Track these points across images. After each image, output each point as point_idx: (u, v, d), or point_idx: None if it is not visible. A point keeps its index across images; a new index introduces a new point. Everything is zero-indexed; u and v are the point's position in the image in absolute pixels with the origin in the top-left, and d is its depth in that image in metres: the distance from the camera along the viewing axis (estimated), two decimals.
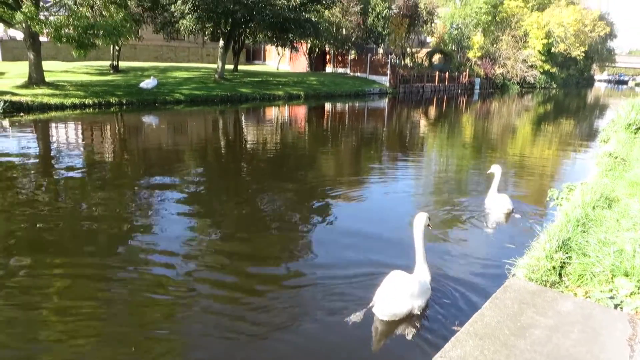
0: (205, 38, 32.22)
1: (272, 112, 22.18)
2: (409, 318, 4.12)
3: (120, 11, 19.70)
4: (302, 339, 3.98)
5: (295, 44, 30.45)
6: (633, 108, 13.67)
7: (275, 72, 37.06)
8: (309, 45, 38.93)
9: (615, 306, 3.32)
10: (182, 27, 24.70)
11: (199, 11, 23.88)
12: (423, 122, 21.98)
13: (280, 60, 42.81)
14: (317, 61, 42.23)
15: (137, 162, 10.64)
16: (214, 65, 29.92)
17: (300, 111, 23.59)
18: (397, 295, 4.08)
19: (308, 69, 41.04)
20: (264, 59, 48.55)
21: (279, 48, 36.13)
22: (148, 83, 21.12)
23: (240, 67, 33.24)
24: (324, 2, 27.86)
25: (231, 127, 17.73)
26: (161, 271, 5.10)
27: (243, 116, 20.57)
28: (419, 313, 4.18)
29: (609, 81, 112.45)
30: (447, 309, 4.34)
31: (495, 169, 7.39)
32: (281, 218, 7.23)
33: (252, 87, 26.02)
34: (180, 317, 4.27)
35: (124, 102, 19.41)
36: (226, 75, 27.64)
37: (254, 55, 48.59)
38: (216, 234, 6.40)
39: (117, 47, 25.75)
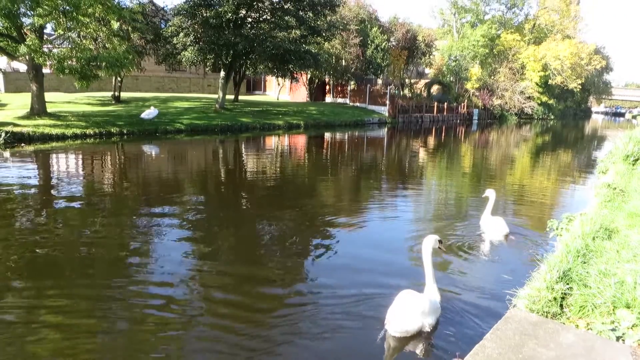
0: (207, 69, 32.82)
1: (272, 141, 22.34)
2: (419, 336, 4.31)
3: (123, 43, 20.14)
4: (311, 356, 4.11)
5: (295, 75, 30.94)
6: (630, 140, 13.78)
7: (276, 102, 37.53)
8: (309, 75, 39.55)
9: (617, 338, 3.28)
10: (183, 59, 25.16)
11: (200, 43, 24.41)
12: (422, 152, 22.12)
13: (281, 91, 43.42)
14: (317, 91, 42.84)
15: (137, 191, 10.66)
16: (215, 96, 30.32)
17: (300, 140, 23.76)
18: (409, 313, 4.26)
19: (308, 99, 41.57)
20: (265, 89, 49.23)
21: (279, 79, 36.77)
22: (149, 113, 21.34)
23: (240, 97, 33.70)
24: (323, 34, 28.42)
25: (231, 156, 17.84)
26: (162, 296, 5.16)
27: (243, 145, 20.72)
28: (429, 330, 4.36)
29: (606, 113, 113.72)
30: (446, 339, 4.31)
31: (490, 193, 7.79)
32: (282, 244, 7.28)
33: (253, 117, 26.29)
34: (181, 340, 4.31)
35: (125, 132, 19.58)
36: (227, 105, 27.98)
37: (255, 86, 49.33)
38: (217, 260, 6.42)
39: (119, 78, 26.15)
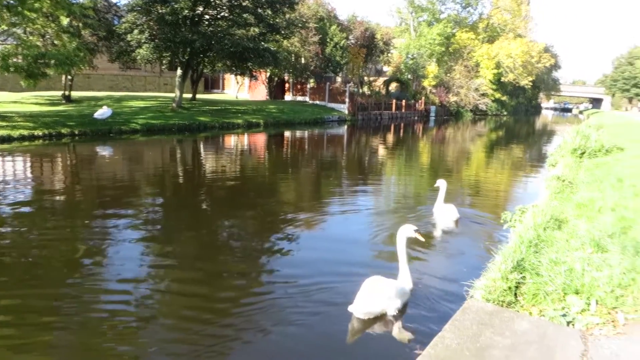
0: (163, 67, 32.04)
1: (231, 141, 22.06)
2: (382, 319, 4.49)
3: (73, 40, 19.36)
4: (275, 341, 4.22)
5: (254, 73, 30.70)
6: (577, 134, 14.41)
7: (235, 100, 37.10)
8: (268, 73, 39.31)
9: (568, 323, 3.41)
10: (138, 57, 24.46)
11: (156, 40, 23.80)
12: (381, 148, 22.40)
13: (239, 89, 42.97)
14: (276, 89, 42.66)
15: (91, 194, 10.28)
16: (172, 94, 29.65)
17: (260, 139, 23.59)
18: (373, 296, 4.46)
19: (267, 97, 41.33)
20: (223, 88, 48.61)
21: (238, 77, 36.34)
22: (102, 113, 20.59)
23: (198, 96, 33.10)
24: (282, 32, 28.29)
25: (190, 155, 17.51)
26: (119, 292, 5.10)
27: (202, 145, 20.37)
28: (394, 314, 4.55)
29: (555, 109, 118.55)
30: (406, 329, 4.41)
31: (441, 183, 8.31)
32: (243, 241, 7.28)
33: (211, 116, 25.88)
34: (140, 335, 4.26)
35: (77, 132, 18.83)
36: (184, 104, 27.43)
37: (213, 84, 48.61)
38: (176, 258, 6.30)
39: (69, 77, 25.13)
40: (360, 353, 4.17)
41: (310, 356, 4.14)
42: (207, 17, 26.44)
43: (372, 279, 4.66)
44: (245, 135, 23.62)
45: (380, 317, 4.55)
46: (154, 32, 23.79)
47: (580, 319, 3.43)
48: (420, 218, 8.42)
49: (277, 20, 27.31)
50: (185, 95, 28.34)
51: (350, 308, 4.45)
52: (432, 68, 52.51)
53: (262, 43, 27.47)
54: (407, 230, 4.97)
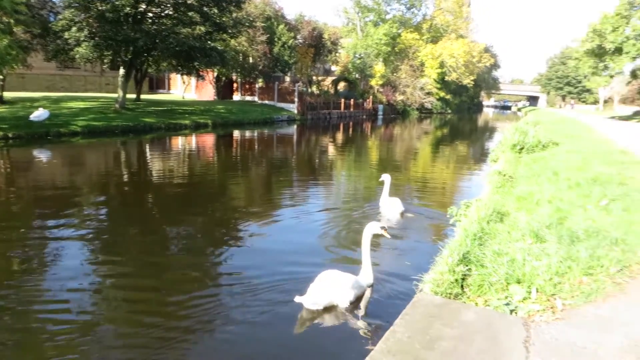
0: (104, 66, 30.80)
1: (179, 142, 21.54)
2: (336, 314, 4.59)
3: (5, 37, 18.23)
4: (229, 338, 4.24)
5: (201, 73, 30.07)
6: (516, 130, 15.12)
7: (181, 100, 36.23)
8: (215, 73, 38.67)
9: (511, 312, 3.58)
10: (77, 55, 23.30)
11: (96, 39, 22.77)
12: (331, 147, 22.57)
13: (186, 89, 42.04)
14: (224, 89, 42.05)
15: (28, 201, 9.73)
16: (115, 95, 28.52)
17: (209, 140, 23.18)
18: (323, 287, 4.60)
19: (215, 97, 40.67)
20: (169, 88, 47.37)
21: (185, 76, 35.52)
22: (39, 115, 19.50)
23: (143, 97, 32.06)
24: (229, 31, 27.89)
25: (135, 158, 16.94)
26: (61, 301, 4.90)
27: (148, 147, 19.77)
28: (344, 306, 4.67)
29: (496, 106, 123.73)
30: (358, 324, 4.46)
31: (385, 177, 8.68)
32: (193, 243, 7.12)
33: (157, 117, 25.14)
34: (85, 341, 4.10)
35: (11, 135, 17.75)
36: (128, 104, 26.50)
37: (158, 84, 47.24)
38: (122, 263, 6.07)
39: (0, 77, 23.65)
40: (311, 349, 4.20)
41: (261, 353, 4.14)
42: (150, 14, 25.62)
43: (327, 272, 4.79)
44: (193, 136, 23.13)
45: (333, 313, 4.61)
46: (94, 30, 22.75)
47: (522, 307, 3.60)
48: (368, 212, 8.68)
49: (223, 19, 26.87)
50: (128, 96, 27.37)
51: (298, 298, 4.53)
52: (379, 67, 53.48)
53: (209, 42, 26.98)
54: (373, 227, 5.16)
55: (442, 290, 3.94)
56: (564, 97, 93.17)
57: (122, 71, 25.63)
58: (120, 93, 25.55)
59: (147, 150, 19.02)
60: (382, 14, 59.69)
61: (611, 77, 43.12)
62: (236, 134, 26.00)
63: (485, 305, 3.73)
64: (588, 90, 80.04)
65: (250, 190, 11.54)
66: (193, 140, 22.28)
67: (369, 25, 58.13)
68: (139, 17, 24.18)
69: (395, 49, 57.62)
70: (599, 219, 5.67)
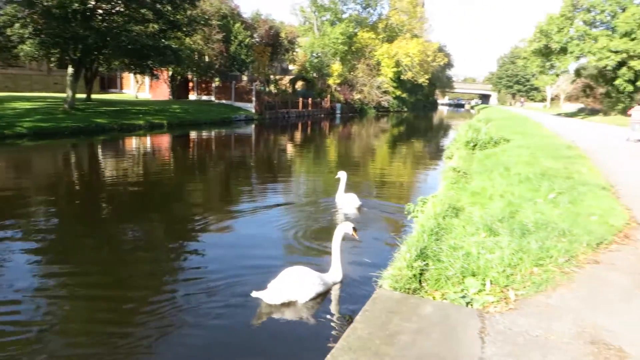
0: (52, 65, 29.51)
1: (132, 143, 20.93)
2: (297, 313, 4.58)
3: None
4: (187, 339, 4.17)
5: (155, 71, 29.32)
6: (470, 128, 15.57)
7: (135, 100, 35.23)
8: (170, 72, 37.83)
9: (467, 304, 3.67)
10: (21, 53, 22.21)
11: (42, 36, 21.75)
12: (290, 146, 22.53)
13: (140, 88, 40.95)
14: (179, 89, 41.18)
15: None
16: (63, 95, 27.36)
17: (164, 141, 22.65)
18: (283, 283, 4.64)
19: (170, 97, 39.76)
20: (121, 87, 45.93)
21: (138, 76, 34.57)
22: None
23: (94, 96, 30.92)
24: (184, 29, 27.34)
25: (86, 160, 16.32)
26: (9, 313, 4.61)
27: (100, 148, 19.09)
28: (304, 302, 4.70)
29: (450, 105, 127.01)
30: (319, 321, 4.49)
31: (341, 174, 8.88)
32: (148, 244, 6.98)
33: (109, 117, 24.32)
34: (36, 357, 3.92)
35: None
36: (78, 105, 25.49)
37: (110, 83, 45.69)
38: (75, 267, 5.84)
39: None
40: (272, 347, 4.18)
41: (220, 351, 4.11)
42: (100, 11, 24.72)
43: (291, 267, 4.83)
44: (148, 137, 22.53)
45: (294, 310, 4.61)
46: (40, 27, 21.74)
47: (478, 299, 3.71)
48: (326, 209, 8.82)
49: (177, 17, 26.28)
50: (78, 96, 26.35)
51: (255, 293, 4.56)
52: (336, 66, 53.81)
53: (163, 40, 26.34)
54: (345, 227, 5.25)
55: (401, 285, 4.00)
56: (513, 95, 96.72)
57: (70, 70, 24.63)
58: (69, 93, 24.54)
59: (100, 152, 18.38)
60: (338, 13, 60.10)
61: (557, 75, 45.10)
62: (193, 134, 25.52)
63: (443, 299, 3.82)
64: (536, 89, 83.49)
65: (208, 191, 11.36)
66: (148, 141, 21.71)
67: (326, 25, 58.39)
68: (88, 13, 23.27)
69: (352, 48, 58.13)
70: (547, 211, 5.92)
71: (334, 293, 5.09)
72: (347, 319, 4.37)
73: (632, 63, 32.46)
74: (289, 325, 4.46)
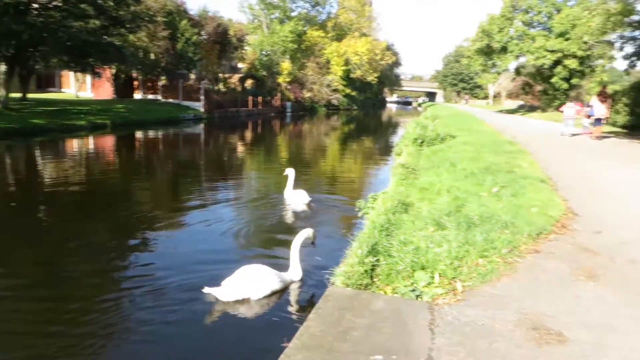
0: None
1: (74, 144, 20.01)
2: (250, 313, 4.59)
3: None
4: (135, 338, 4.14)
5: (97, 70, 28.19)
6: (417, 125, 15.94)
7: (75, 99, 33.68)
8: (113, 70, 36.47)
9: (417, 297, 3.75)
10: None
11: None
12: (240, 145, 22.27)
13: (81, 87, 39.21)
14: (124, 87, 39.75)
15: None
16: None
17: (108, 142, 21.80)
18: (238, 280, 4.68)
19: (114, 96, 38.32)
20: (60, 86, 43.84)
21: (79, 74, 33.08)
22: None
23: (30, 95, 29.32)
24: (127, 26, 26.43)
25: (23, 163, 15.45)
26: None
27: (38, 151, 18.10)
28: (257, 299, 4.74)
29: (398, 102, 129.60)
30: (274, 324, 4.44)
31: (289, 171, 9.12)
32: (93, 249, 6.63)
33: (47, 117, 23.09)
34: None
35: None
36: (12, 104, 24.09)
37: (48, 82, 43.45)
38: (14, 276, 5.51)
39: None
40: (225, 349, 4.13)
41: (166, 351, 4.05)
42: (36, 5, 23.46)
43: (248, 265, 4.86)
44: (91, 138, 21.60)
45: (247, 311, 4.59)
46: None
47: (427, 292, 3.79)
48: (276, 205, 8.95)
49: (120, 13, 25.39)
50: (13, 95, 24.92)
51: (207, 289, 4.59)
52: (286, 65, 53.65)
53: (105, 37, 25.35)
54: (307, 233, 5.35)
55: (353, 282, 4.03)
56: (458, 93, 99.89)
57: (3, 67, 23.24)
58: (3, 92, 23.16)
59: (38, 153, 17.43)
60: (287, 11, 59.89)
61: (499, 74, 46.94)
62: (139, 134, 24.72)
63: (394, 293, 3.88)
64: (479, 86, 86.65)
65: (155, 191, 11.05)
66: (91, 142, 20.83)
67: (275, 22, 58.07)
68: (22, 7, 22.03)
69: (302, 46, 58.12)
70: (491, 205, 6.14)
71: (288, 292, 5.07)
72: (301, 317, 4.37)
73: (566, 62, 34.28)
74: (242, 326, 4.42)
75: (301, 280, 5.27)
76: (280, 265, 5.35)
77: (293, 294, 5.06)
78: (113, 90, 38.57)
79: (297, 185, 9.12)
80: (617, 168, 10.64)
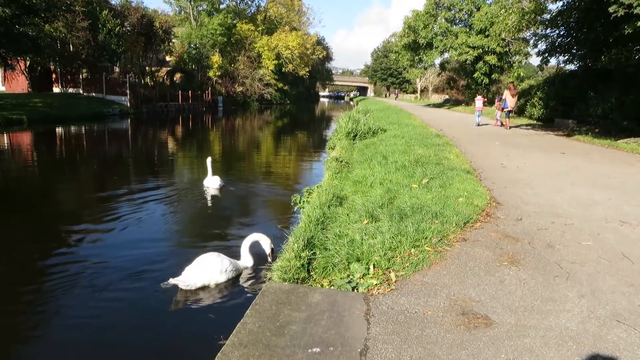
0: None
1: None
2: (185, 312, 4.60)
3: None
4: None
5: (9, 61, 26.13)
6: (350, 119, 16.17)
7: None
8: (28, 62, 33.96)
9: (353, 289, 3.83)
10: None
11: None
12: (170, 141, 21.56)
13: None
14: (40, 81, 37.07)
15: None
16: None
17: (25, 139, 20.30)
18: (197, 269, 4.90)
19: (30, 90, 35.71)
20: None
21: None
22: None
23: None
24: (42, 15, 24.68)
25: None
26: None
27: None
28: (214, 286, 4.95)
29: (330, 97, 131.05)
30: (210, 322, 4.36)
31: (208, 160, 10.07)
32: (19, 252, 6.17)
33: None
34: None
35: None
36: None
37: None
38: None
39: None
40: (159, 352, 4.01)
41: (96, 350, 3.98)
42: None
43: (205, 254, 5.07)
44: (5, 135, 20.01)
45: (180, 312, 4.54)
46: None
47: (362, 283, 3.88)
48: (196, 193, 9.57)
49: (34, 1, 23.65)
50: None
51: (172, 280, 4.76)
52: (216, 58, 52.49)
53: (17, 26, 23.54)
54: (257, 237, 5.50)
55: (290, 276, 4.05)
56: (388, 87, 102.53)
57: None
58: None
59: None
60: (215, 4, 58.46)
61: (425, 69, 48.59)
62: (60, 130, 23.23)
63: (330, 286, 3.94)
64: (408, 81, 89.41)
65: (82, 195, 10.39)
66: (5, 139, 19.29)
67: (203, 15, 56.56)
68: None
69: (232, 39, 57.09)
70: (422, 196, 6.38)
71: (225, 289, 5.00)
72: (238, 313, 4.32)
73: (487, 58, 36.13)
74: (175, 328, 4.30)
75: (253, 267, 5.46)
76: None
77: (229, 292, 4.99)
78: (28, 83, 35.89)
79: (217, 173, 10.08)
80: (535, 158, 11.41)
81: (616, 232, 5.37)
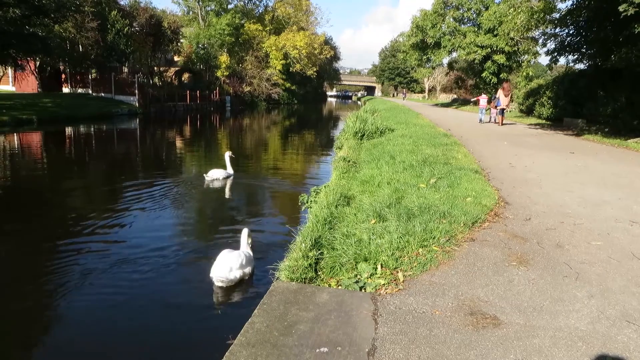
0: None
1: None
2: (189, 312, 4.62)
3: None
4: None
5: (20, 62, 26.37)
6: (357, 119, 16.14)
7: None
8: (38, 63, 34.25)
9: (360, 288, 3.83)
10: None
11: None
12: (178, 141, 21.66)
13: (1, 80, 36.57)
14: (50, 81, 37.40)
15: None
16: None
17: (35, 138, 20.47)
18: (227, 265, 4.98)
19: (40, 90, 36.03)
20: None
21: None
22: None
23: None
24: (52, 15, 24.88)
25: None
26: None
27: None
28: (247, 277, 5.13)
29: (338, 96, 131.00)
30: (219, 322, 4.37)
31: (226, 155, 11.24)
32: (30, 259, 6.21)
33: None
34: None
35: None
36: None
37: None
38: None
39: None
40: (168, 350, 4.04)
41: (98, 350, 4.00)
42: None
43: (226, 251, 5.17)
44: (15, 135, 20.20)
45: (186, 313, 4.55)
46: None
47: (370, 283, 3.88)
48: (203, 189, 9.80)
49: (43, 2, 23.84)
50: None
51: (211, 275, 4.94)
52: (224, 58, 52.64)
53: (27, 27, 23.74)
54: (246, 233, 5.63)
55: (297, 276, 4.05)
56: (396, 87, 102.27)
57: None
58: None
59: None
60: (223, 4, 58.63)
61: (433, 68, 48.48)
62: (69, 131, 23.41)
63: (338, 286, 3.94)
64: (416, 81, 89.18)
65: (93, 195, 10.47)
66: (15, 139, 19.47)
67: (211, 15, 56.74)
68: None
69: (240, 39, 57.24)
70: (429, 196, 6.36)
71: (232, 289, 5.02)
72: (246, 313, 4.34)
73: (495, 57, 35.97)
74: (185, 328, 4.32)
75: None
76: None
77: (238, 290, 5.01)
78: (38, 83, 36.20)
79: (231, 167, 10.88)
80: (544, 158, 11.33)
81: (626, 231, 5.33)
